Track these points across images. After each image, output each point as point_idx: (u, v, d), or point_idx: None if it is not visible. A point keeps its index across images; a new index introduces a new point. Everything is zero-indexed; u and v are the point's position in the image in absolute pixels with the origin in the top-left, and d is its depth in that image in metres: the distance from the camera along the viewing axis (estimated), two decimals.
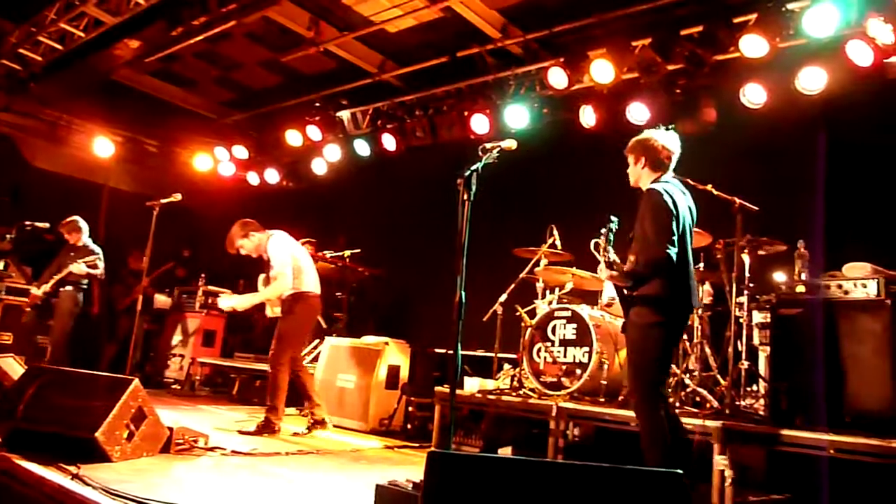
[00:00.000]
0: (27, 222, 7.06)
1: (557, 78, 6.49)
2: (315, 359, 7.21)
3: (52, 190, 9.15)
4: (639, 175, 3.68)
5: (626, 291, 3.52)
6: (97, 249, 7.07)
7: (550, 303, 5.49)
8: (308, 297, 5.31)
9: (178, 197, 5.38)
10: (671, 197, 3.43)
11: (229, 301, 5.54)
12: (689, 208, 3.60)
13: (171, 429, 4.01)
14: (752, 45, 5.51)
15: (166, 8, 6.30)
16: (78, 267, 6.74)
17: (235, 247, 5.32)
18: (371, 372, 6.10)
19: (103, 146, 9.41)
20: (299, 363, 5.46)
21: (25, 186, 9.05)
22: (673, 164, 3.65)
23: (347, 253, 7.74)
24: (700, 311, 5.10)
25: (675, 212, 3.39)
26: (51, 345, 7.09)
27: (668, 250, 3.29)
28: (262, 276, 5.38)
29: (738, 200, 4.59)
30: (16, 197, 8.91)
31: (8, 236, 7.15)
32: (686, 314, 3.53)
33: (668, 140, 3.63)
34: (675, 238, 3.34)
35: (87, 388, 3.69)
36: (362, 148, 8.53)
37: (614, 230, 3.51)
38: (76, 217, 7.23)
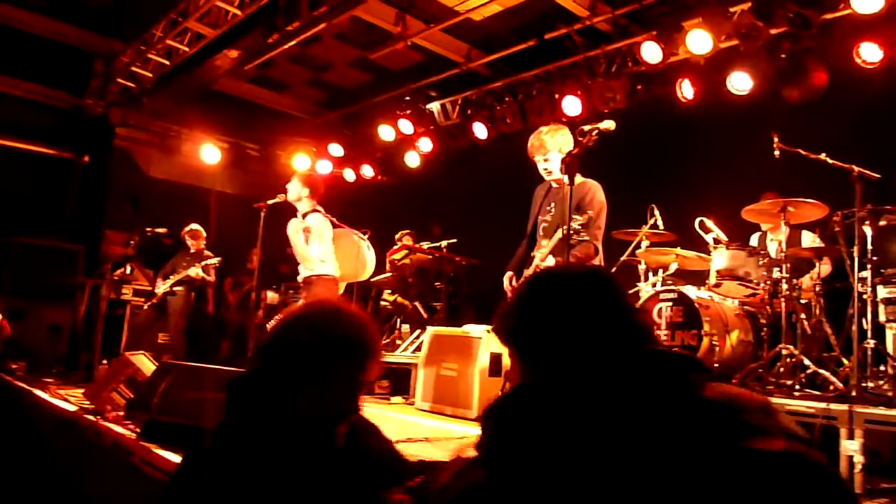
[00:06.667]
0: (147, 228, 7.57)
1: (651, 52, 6.28)
2: (417, 348, 7.35)
3: (165, 197, 9.77)
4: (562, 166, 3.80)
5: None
6: (213, 256, 7.52)
7: (654, 285, 5.35)
8: (332, 281, 5.34)
9: (283, 197, 5.60)
10: None
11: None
12: None
13: None
14: (866, 0, 5.13)
15: (261, 16, 6.57)
16: (196, 271, 7.23)
17: (288, 184, 5.42)
18: (473, 360, 6.14)
19: (210, 153, 9.94)
20: None
21: (142, 194, 9.70)
22: None
23: (444, 243, 7.82)
24: (817, 289, 4.84)
25: None
26: (169, 341, 7.60)
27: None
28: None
29: (856, 168, 4.30)
30: (135, 205, 9.58)
31: (132, 242, 7.70)
32: None
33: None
34: None
35: (213, 381, 3.92)
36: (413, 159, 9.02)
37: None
38: (198, 226, 7.74)
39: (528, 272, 3.84)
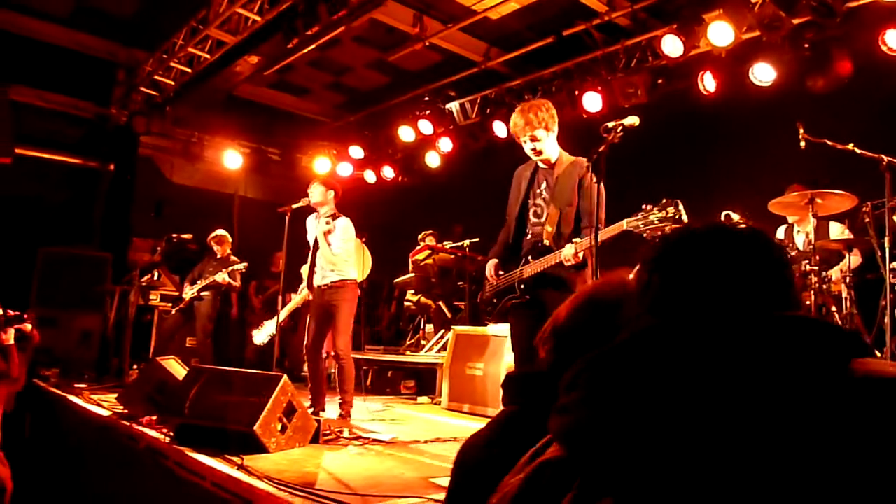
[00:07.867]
0: (173, 234, 7.67)
1: (671, 46, 6.23)
2: (442, 348, 7.37)
3: (190, 203, 9.90)
4: (552, 145, 3.65)
5: (566, 262, 3.44)
6: (239, 261, 7.59)
7: None
8: (356, 285, 5.38)
9: (306, 201, 5.60)
10: None
11: (263, 333, 5.74)
12: None
13: (318, 420, 4.25)
14: None
15: (281, 21, 6.62)
16: (223, 276, 7.31)
17: (308, 190, 5.40)
18: (499, 359, 6.15)
19: (233, 158, 10.05)
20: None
21: (167, 201, 9.84)
22: None
23: (467, 242, 7.83)
24: (847, 280, 4.78)
25: None
26: (197, 345, 7.70)
27: None
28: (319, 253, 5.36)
29: (885, 158, 4.23)
30: (159, 211, 9.72)
31: (158, 248, 7.81)
32: None
33: None
34: None
35: (242, 385, 3.97)
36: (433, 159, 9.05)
37: None
38: (224, 231, 7.80)
39: (538, 263, 3.69)
